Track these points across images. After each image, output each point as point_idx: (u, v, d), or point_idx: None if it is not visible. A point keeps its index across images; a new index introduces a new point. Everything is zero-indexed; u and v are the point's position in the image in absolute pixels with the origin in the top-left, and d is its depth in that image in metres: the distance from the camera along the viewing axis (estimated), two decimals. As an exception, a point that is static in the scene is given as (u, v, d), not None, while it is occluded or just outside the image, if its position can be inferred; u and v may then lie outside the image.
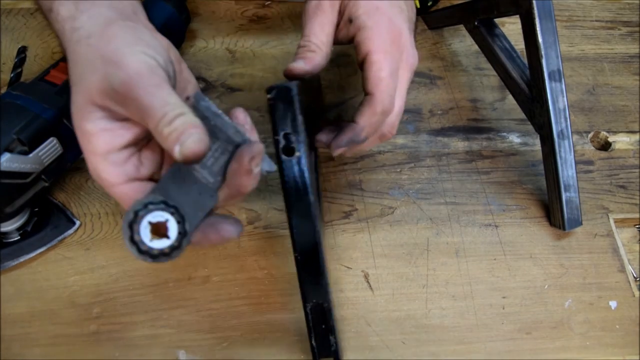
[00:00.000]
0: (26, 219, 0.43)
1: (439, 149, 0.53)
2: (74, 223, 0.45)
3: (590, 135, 0.55)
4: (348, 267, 0.45)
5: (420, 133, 0.54)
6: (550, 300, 0.45)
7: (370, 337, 0.42)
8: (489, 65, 0.53)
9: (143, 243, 0.28)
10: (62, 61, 0.45)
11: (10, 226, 0.42)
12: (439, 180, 0.51)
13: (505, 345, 0.42)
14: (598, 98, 0.58)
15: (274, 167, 0.35)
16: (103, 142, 0.31)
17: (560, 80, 0.45)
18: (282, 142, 0.34)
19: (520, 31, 0.46)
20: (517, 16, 0.46)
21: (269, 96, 0.34)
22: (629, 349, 0.43)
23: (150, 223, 0.28)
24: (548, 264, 0.46)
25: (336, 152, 0.38)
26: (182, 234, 0.29)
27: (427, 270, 0.45)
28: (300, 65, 0.37)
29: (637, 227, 0.51)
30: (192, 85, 0.37)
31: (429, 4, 0.46)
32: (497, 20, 0.53)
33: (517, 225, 0.48)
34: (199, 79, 0.55)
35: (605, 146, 0.55)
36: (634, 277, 0.47)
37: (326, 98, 0.55)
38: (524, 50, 0.46)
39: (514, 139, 0.54)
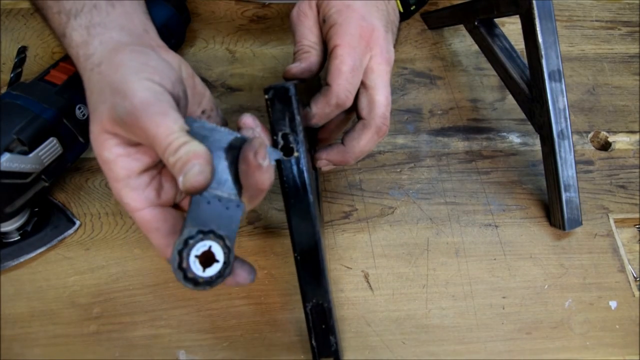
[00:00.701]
0: (26, 219, 0.43)
1: (439, 149, 0.53)
2: (74, 223, 0.45)
3: (590, 135, 0.55)
4: (348, 267, 0.45)
5: (420, 133, 0.54)
6: (550, 300, 0.45)
7: (370, 337, 0.42)
8: (489, 65, 0.53)
9: (191, 271, 0.29)
10: (62, 61, 0.45)
11: (10, 226, 0.42)
12: (439, 180, 0.51)
13: (505, 345, 0.42)
14: (598, 98, 0.58)
15: (280, 153, 0.35)
16: (121, 168, 0.31)
17: (560, 80, 0.45)
18: (281, 142, 0.34)
19: (520, 31, 0.46)
20: (517, 16, 0.46)
21: (266, 96, 0.34)
22: (629, 349, 0.43)
23: (196, 256, 0.29)
24: (548, 264, 0.46)
25: None
26: (227, 252, 0.29)
27: (427, 270, 0.45)
28: (297, 65, 0.38)
29: (637, 227, 0.51)
30: (206, 99, 0.37)
31: (411, 9, 0.46)
32: (497, 20, 0.53)
33: (517, 225, 0.48)
34: (199, 79, 0.55)
35: (605, 146, 0.55)
36: (634, 277, 0.47)
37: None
38: (524, 50, 0.46)
39: (514, 139, 0.54)
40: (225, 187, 0.31)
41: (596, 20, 0.65)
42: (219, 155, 0.31)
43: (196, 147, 0.29)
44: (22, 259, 0.43)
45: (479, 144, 0.53)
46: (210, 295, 0.43)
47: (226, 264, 0.29)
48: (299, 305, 0.39)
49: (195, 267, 0.28)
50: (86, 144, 0.45)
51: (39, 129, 0.39)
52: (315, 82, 0.46)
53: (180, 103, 0.32)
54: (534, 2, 0.43)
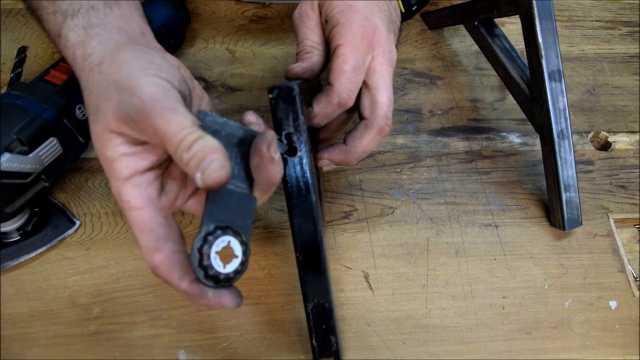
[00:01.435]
0: (26, 219, 0.43)
1: (439, 149, 0.53)
2: (74, 223, 0.45)
3: (590, 135, 0.55)
4: (348, 267, 0.45)
5: (420, 133, 0.54)
6: (550, 300, 0.45)
7: (370, 337, 0.42)
8: (489, 65, 0.53)
9: (213, 269, 0.28)
10: (62, 61, 0.45)
11: (10, 226, 0.42)
12: (439, 180, 0.51)
13: (505, 345, 0.42)
14: (598, 98, 0.58)
15: (284, 145, 0.35)
16: (125, 167, 0.30)
17: (560, 80, 0.45)
18: (284, 142, 0.34)
19: (520, 31, 0.46)
20: (517, 16, 0.46)
21: (270, 96, 0.34)
22: (629, 349, 0.43)
23: (216, 253, 0.28)
24: (548, 264, 0.46)
25: None
26: (244, 247, 0.29)
27: (427, 270, 0.45)
28: (299, 64, 0.38)
29: (637, 227, 0.51)
30: (205, 101, 0.37)
31: (413, 9, 0.46)
32: (497, 20, 0.53)
33: (517, 225, 0.48)
34: (198, 79, 0.55)
35: (605, 146, 0.55)
36: (634, 277, 0.47)
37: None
38: (524, 50, 0.46)
39: (514, 139, 0.54)
40: (237, 181, 0.31)
41: (596, 20, 0.65)
42: (231, 150, 0.31)
43: (211, 142, 0.28)
44: (22, 259, 0.43)
45: (479, 144, 0.53)
46: (210, 295, 0.43)
47: (244, 259, 0.29)
48: (299, 305, 0.39)
49: (217, 264, 0.28)
50: (86, 144, 0.45)
51: (39, 129, 0.39)
52: (316, 84, 0.46)
53: (187, 101, 0.32)
54: (534, 2, 0.43)
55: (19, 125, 0.38)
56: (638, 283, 0.47)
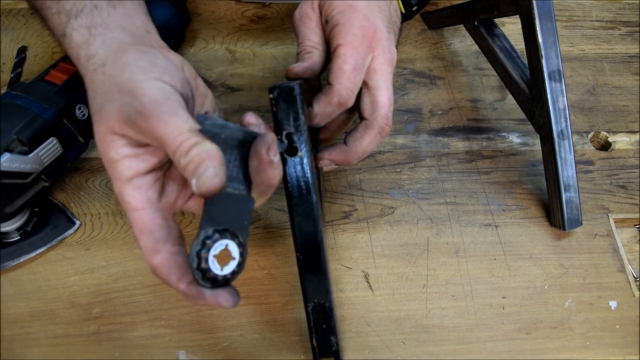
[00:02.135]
0: (26, 219, 0.43)
1: (439, 149, 0.53)
2: (74, 223, 0.45)
3: (590, 135, 0.55)
4: (348, 267, 0.45)
5: (420, 133, 0.54)
6: (550, 300, 0.45)
7: (370, 337, 0.42)
8: (489, 65, 0.53)
9: (211, 271, 0.29)
10: (62, 61, 0.45)
11: (10, 226, 0.42)
12: (439, 180, 0.51)
13: (505, 345, 0.42)
14: (598, 98, 0.58)
15: (283, 145, 0.35)
16: (127, 168, 0.31)
17: (560, 80, 0.45)
18: (285, 142, 0.34)
19: (520, 31, 0.46)
20: (517, 16, 0.46)
21: (271, 96, 0.34)
22: (629, 349, 0.43)
23: (214, 256, 0.29)
24: (548, 264, 0.46)
25: None
26: (241, 248, 0.30)
27: (427, 270, 0.45)
28: (299, 64, 0.38)
29: (637, 227, 0.51)
30: (209, 100, 0.37)
31: (413, 9, 0.46)
32: (497, 20, 0.53)
33: (517, 225, 0.48)
34: (199, 79, 0.55)
35: (605, 146, 0.55)
36: (634, 277, 0.47)
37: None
38: (524, 50, 0.46)
39: (514, 139, 0.54)
40: (236, 183, 0.31)
41: (596, 20, 0.65)
42: (230, 152, 0.31)
43: (208, 148, 0.28)
44: (22, 259, 0.43)
45: (479, 144, 0.53)
46: (210, 295, 0.43)
47: (241, 261, 0.29)
48: (299, 305, 0.39)
49: (214, 267, 0.29)
50: (86, 144, 0.45)
51: (39, 129, 0.39)
52: (316, 84, 0.46)
53: (189, 103, 0.32)
54: (534, 2, 0.43)
55: (19, 125, 0.38)
56: (638, 283, 0.47)
